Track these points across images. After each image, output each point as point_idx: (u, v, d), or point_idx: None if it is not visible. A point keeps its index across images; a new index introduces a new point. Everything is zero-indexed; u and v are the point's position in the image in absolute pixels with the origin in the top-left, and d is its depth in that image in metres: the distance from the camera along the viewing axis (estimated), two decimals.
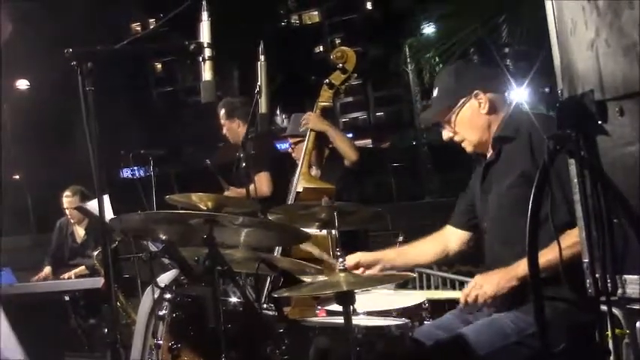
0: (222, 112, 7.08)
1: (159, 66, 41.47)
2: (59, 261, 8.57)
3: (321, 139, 5.64)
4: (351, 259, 3.89)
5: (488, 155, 3.69)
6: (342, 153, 5.63)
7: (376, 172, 25.73)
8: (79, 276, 8.03)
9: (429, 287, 7.11)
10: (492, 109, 3.63)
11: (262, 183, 6.41)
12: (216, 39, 3.33)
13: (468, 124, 3.67)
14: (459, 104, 3.65)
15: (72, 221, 8.53)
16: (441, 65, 9.11)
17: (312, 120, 5.46)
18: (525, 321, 3.34)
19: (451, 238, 4.05)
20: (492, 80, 3.74)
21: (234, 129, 7.01)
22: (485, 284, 3.43)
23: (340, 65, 5.32)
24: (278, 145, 7.39)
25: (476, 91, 3.63)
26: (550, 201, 2.23)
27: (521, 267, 3.32)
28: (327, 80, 5.34)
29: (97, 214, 3.04)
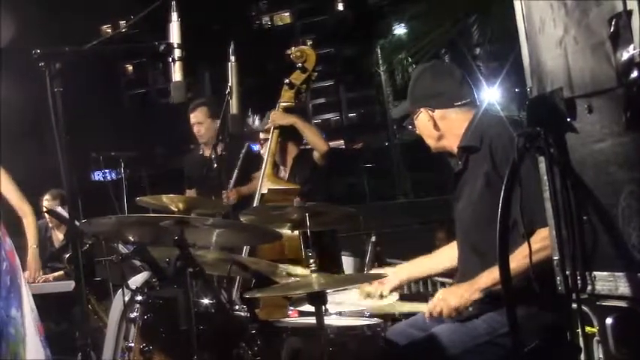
0: (205, 109, 6.82)
1: (130, 68, 41.26)
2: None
3: (286, 137, 5.57)
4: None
5: (457, 165, 3.70)
6: (312, 145, 5.59)
7: (349, 172, 25.74)
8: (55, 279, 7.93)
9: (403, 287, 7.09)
10: (441, 125, 3.66)
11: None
12: (187, 41, 3.32)
13: (421, 131, 3.73)
14: (416, 110, 3.71)
15: (50, 225, 8.43)
16: (413, 66, 9.12)
17: (276, 117, 5.39)
18: (498, 321, 3.35)
19: None
20: (447, 95, 3.67)
21: (213, 129, 6.76)
22: (449, 297, 3.45)
23: (300, 64, 5.28)
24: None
25: (422, 109, 3.67)
26: (520, 202, 2.22)
27: (484, 279, 3.34)
28: (287, 80, 5.30)
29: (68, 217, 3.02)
